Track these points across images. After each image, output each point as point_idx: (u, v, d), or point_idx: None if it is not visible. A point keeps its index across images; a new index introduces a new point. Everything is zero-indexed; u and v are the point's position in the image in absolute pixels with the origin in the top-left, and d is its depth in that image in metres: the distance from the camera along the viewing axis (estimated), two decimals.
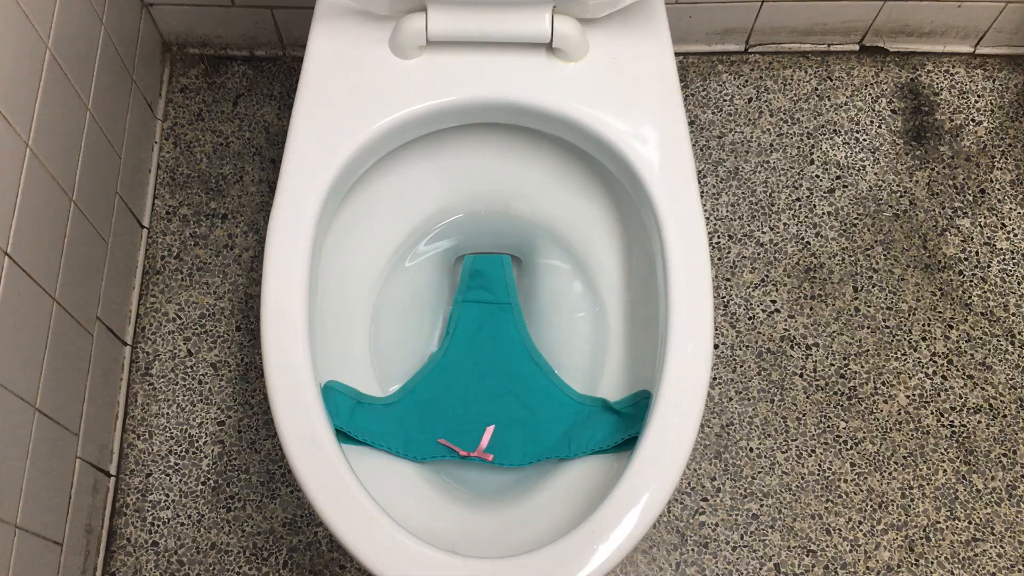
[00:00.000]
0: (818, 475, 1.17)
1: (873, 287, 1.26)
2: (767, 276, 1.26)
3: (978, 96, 1.36)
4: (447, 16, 0.84)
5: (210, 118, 1.29)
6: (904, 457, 1.18)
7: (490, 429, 0.88)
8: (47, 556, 0.95)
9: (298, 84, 0.86)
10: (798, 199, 1.30)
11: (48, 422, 0.95)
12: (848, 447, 1.19)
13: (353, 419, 0.83)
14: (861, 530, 1.15)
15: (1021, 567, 1.14)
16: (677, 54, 1.36)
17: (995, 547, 1.15)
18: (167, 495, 1.13)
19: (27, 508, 0.90)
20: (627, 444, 0.83)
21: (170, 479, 1.13)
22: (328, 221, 0.86)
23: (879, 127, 1.34)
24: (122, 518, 1.12)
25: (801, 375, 1.22)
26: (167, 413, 1.16)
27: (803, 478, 1.17)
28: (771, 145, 1.32)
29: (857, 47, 1.36)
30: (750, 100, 1.35)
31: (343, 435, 0.82)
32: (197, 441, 1.15)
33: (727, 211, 1.29)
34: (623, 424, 0.85)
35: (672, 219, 0.81)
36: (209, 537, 1.11)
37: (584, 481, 0.84)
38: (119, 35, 1.13)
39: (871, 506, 1.16)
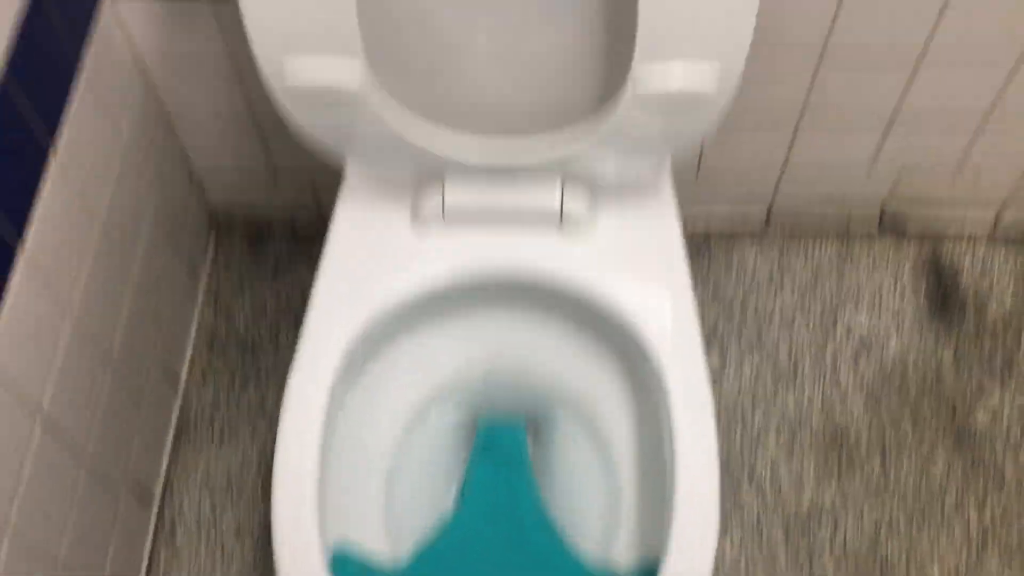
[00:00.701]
0: None
1: (902, 458, 1.24)
2: (793, 445, 1.25)
3: (1000, 270, 1.37)
4: (463, 189, 0.89)
5: (250, 285, 1.36)
6: None
7: None
8: None
9: (323, 252, 0.91)
10: (823, 367, 1.31)
11: None
12: None
13: None
14: None
15: None
16: (699, 222, 1.40)
17: None
18: None
19: None
20: None
21: None
22: (346, 387, 0.89)
23: (902, 298, 1.35)
24: None
25: (830, 549, 1.19)
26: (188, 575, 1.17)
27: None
28: (794, 313, 1.34)
29: (878, 214, 1.39)
30: (772, 268, 1.38)
31: None
32: None
33: (750, 379, 1.30)
34: None
35: (679, 390, 0.83)
36: None
37: None
38: (168, 208, 1.21)
39: None
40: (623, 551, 0.89)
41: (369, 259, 0.91)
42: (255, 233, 1.40)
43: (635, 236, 0.92)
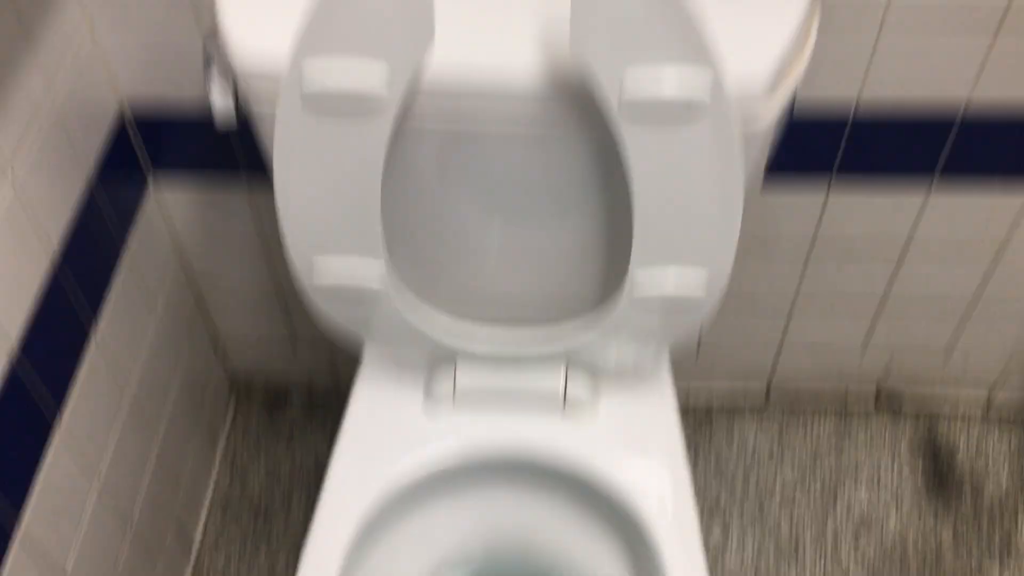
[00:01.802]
0: None
1: None
2: None
3: (996, 450, 1.42)
4: (473, 373, 0.96)
5: (266, 449, 1.41)
6: None
7: None
8: None
9: (340, 429, 0.98)
10: (824, 544, 1.34)
11: None
12: None
13: None
14: None
15: None
16: (701, 396, 1.46)
17: None
18: None
19: None
20: None
21: None
22: (358, 557, 0.94)
23: (900, 476, 1.39)
24: None
25: None
26: None
27: None
28: (795, 489, 1.38)
29: (874, 391, 1.45)
30: (773, 443, 1.43)
31: None
32: None
33: (753, 555, 1.33)
34: None
35: (676, 568, 0.87)
36: None
37: None
38: (193, 377, 1.28)
39: None
40: None
41: (383, 437, 0.97)
42: (273, 399, 1.47)
43: (634, 419, 0.98)
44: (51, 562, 0.92)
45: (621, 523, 0.98)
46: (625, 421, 0.98)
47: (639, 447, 0.97)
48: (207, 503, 1.36)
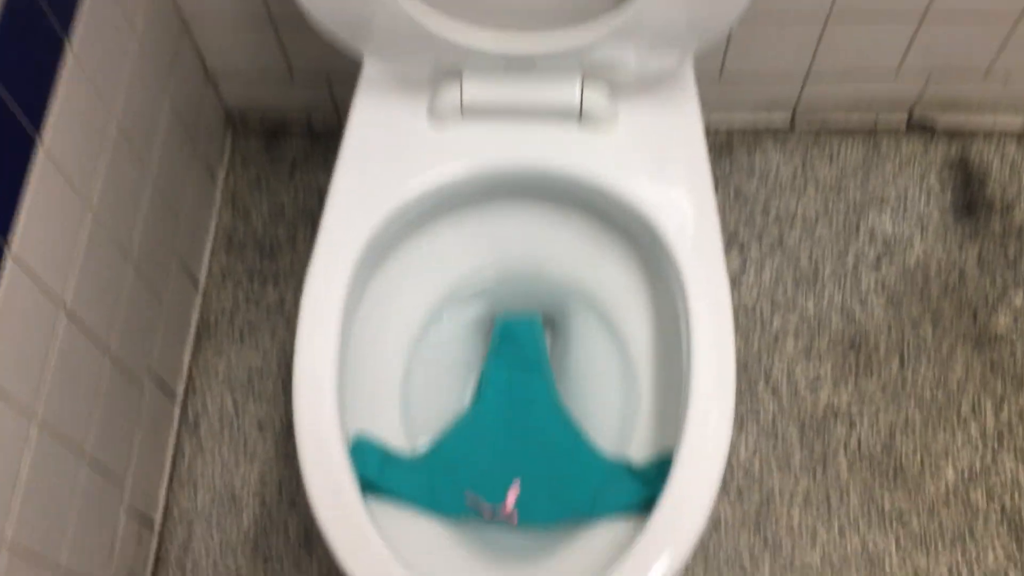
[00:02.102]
0: (861, 552, 1.16)
1: (921, 361, 1.25)
2: (811, 347, 1.27)
3: None
4: (481, 84, 0.89)
5: (268, 185, 1.36)
6: (952, 536, 1.16)
7: (517, 482, 0.91)
8: None
9: (339, 149, 0.91)
10: (844, 271, 1.31)
11: (96, 471, 0.99)
12: (893, 524, 1.17)
13: (382, 474, 0.86)
14: None
15: None
16: (722, 126, 1.39)
17: None
18: (208, 549, 1.16)
19: (73, 553, 0.94)
20: (651, 505, 0.85)
21: (212, 533, 1.17)
22: (363, 283, 0.90)
23: (927, 201, 1.34)
24: (165, 569, 1.16)
25: (845, 449, 1.21)
26: (212, 468, 1.20)
27: (846, 554, 1.16)
28: (816, 216, 1.34)
29: (905, 120, 1.38)
30: (796, 171, 1.37)
31: (371, 489, 0.85)
32: (240, 496, 1.19)
33: (771, 281, 1.30)
34: (648, 487, 0.86)
35: (697, 286, 0.84)
36: None
37: (607, 543, 0.85)
38: (184, 106, 1.21)
39: None
40: (639, 446, 0.91)
41: (386, 155, 0.91)
42: (272, 132, 1.40)
43: (656, 131, 0.91)
44: (47, 288, 0.88)
45: (640, 243, 0.94)
46: (646, 134, 0.92)
47: (661, 162, 0.91)
48: (210, 240, 1.32)
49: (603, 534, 0.86)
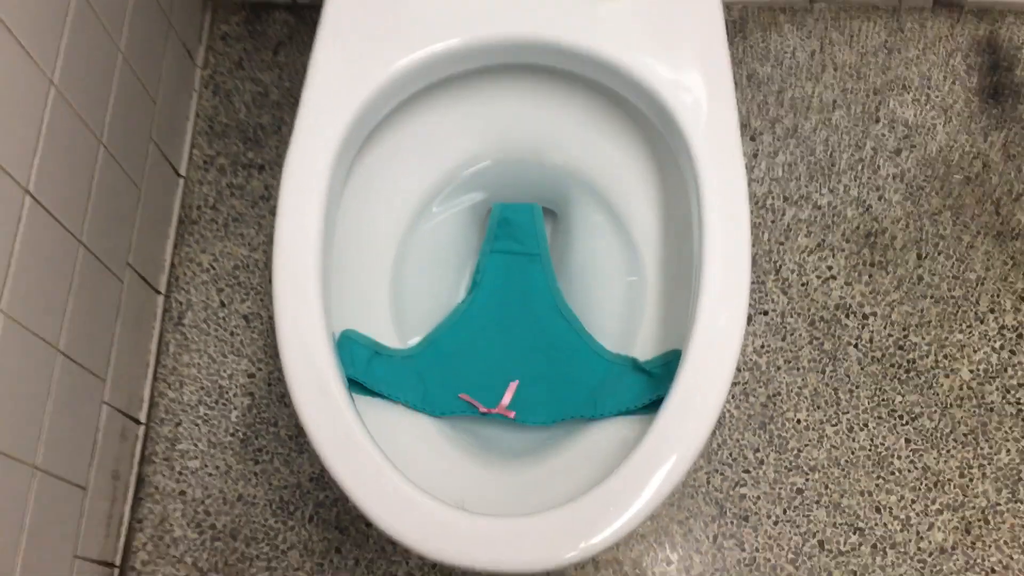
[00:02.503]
0: (870, 450, 1.12)
1: (939, 255, 1.20)
2: (824, 241, 1.21)
3: None
4: None
5: (250, 66, 1.28)
6: (964, 434, 1.12)
7: (513, 385, 0.86)
8: (70, 500, 0.96)
9: (319, 20, 0.84)
10: (861, 160, 1.24)
11: (72, 365, 0.95)
12: (904, 422, 1.13)
13: (370, 369, 0.82)
14: (914, 509, 1.10)
15: None
16: (736, 2, 1.30)
17: None
18: (196, 445, 1.13)
19: (48, 450, 0.90)
20: (656, 405, 0.80)
21: (199, 429, 1.13)
22: (347, 166, 0.84)
23: (952, 84, 1.26)
24: (151, 466, 1.12)
25: (856, 345, 1.16)
26: (198, 363, 1.16)
27: (853, 453, 1.12)
28: (834, 102, 1.26)
29: (931, 2, 1.29)
30: (813, 54, 1.29)
31: (359, 386, 0.81)
32: (227, 392, 1.15)
33: (784, 171, 1.23)
34: (652, 384, 0.82)
35: (711, 171, 0.77)
36: (236, 488, 1.11)
37: (608, 443, 0.81)
38: None
39: (926, 485, 1.11)
40: (644, 345, 0.87)
41: (372, 24, 0.83)
42: (253, 7, 1.31)
43: (671, 3, 0.83)
44: (5, 171, 0.82)
45: (650, 125, 0.87)
46: (659, 4, 0.84)
47: (674, 34, 0.83)
48: (190, 126, 1.25)
49: (605, 434, 0.82)
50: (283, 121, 1.26)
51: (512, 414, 0.85)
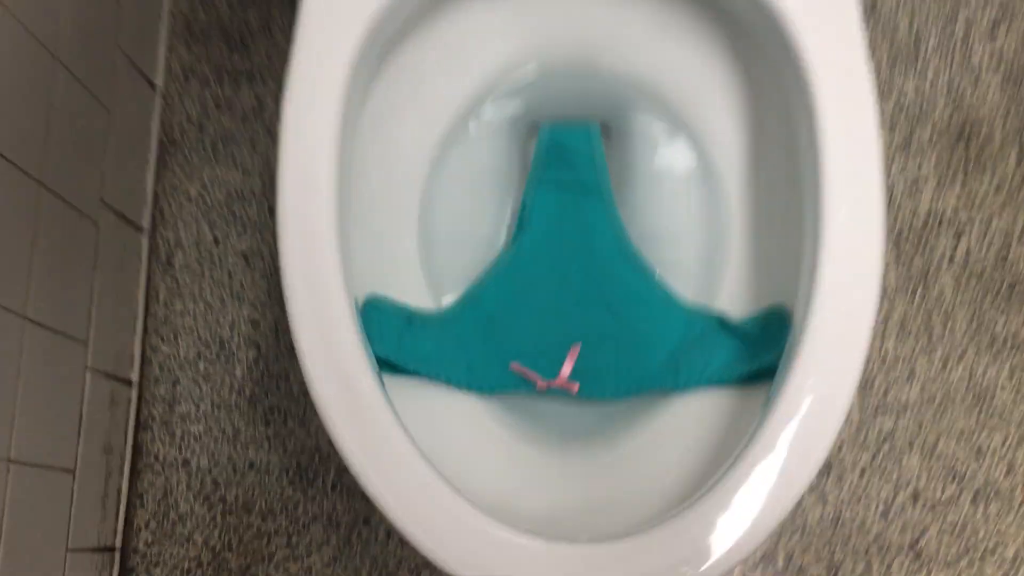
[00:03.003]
0: (968, 385, 0.99)
1: None
2: (910, 139, 1.04)
3: None
4: None
5: None
6: None
7: (575, 348, 0.71)
8: (56, 488, 0.83)
9: None
10: (952, 40, 1.06)
11: (43, 333, 0.80)
12: (1008, 351, 0.99)
13: (402, 345, 0.67)
14: (1021, 451, 0.97)
15: None
16: None
17: None
18: (198, 406, 0.99)
19: (22, 438, 0.77)
20: (755, 376, 0.65)
21: (200, 388, 1.00)
22: (364, 86, 0.67)
23: None
24: (147, 432, 0.99)
25: (950, 262, 1.01)
26: (194, 311, 1.01)
27: (950, 389, 0.98)
28: None
29: None
30: None
31: (390, 366, 0.66)
32: (229, 344, 1.00)
33: None
34: (749, 348, 0.67)
35: (829, 85, 0.60)
36: (246, 455, 0.98)
37: (697, 422, 0.67)
38: None
39: None
40: (730, 296, 0.71)
41: None
42: None
43: None
44: None
45: (740, 20, 0.69)
46: None
47: None
48: (164, 30, 1.07)
49: (690, 409, 0.68)
50: (273, 19, 1.07)
51: (575, 387, 0.70)
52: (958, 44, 1.06)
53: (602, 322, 0.72)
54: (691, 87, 0.74)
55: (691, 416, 0.67)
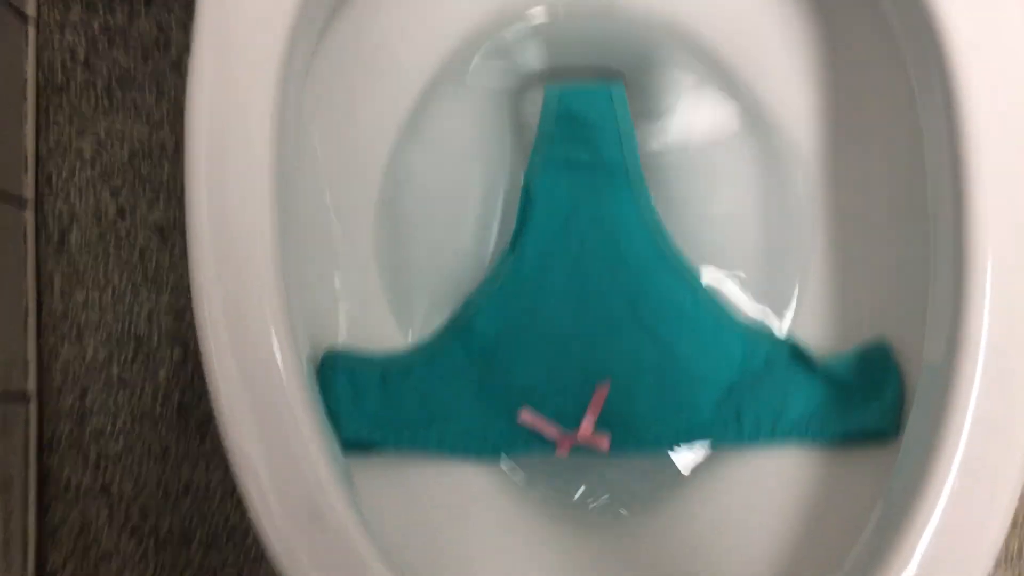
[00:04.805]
0: None
1: None
2: None
3: None
4: None
5: None
6: None
7: (602, 390, 0.55)
8: None
9: None
10: None
11: None
12: None
13: (380, 417, 0.51)
14: None
15: None
16: None
17: None
18: (114, 420, 0.83)
19: None
20: (850, 434, 0.51)
21: (116, 397, 0.83)
22: (305, 49, 0.48)
23: None
24: (54, 456, 0.83)
25: None
26: (100, 302, 0.83)
27: None
28: None
29: None
30: None
31: (361, 445, 0.50)
32: (148, 341, 0.83)
33: None
34: (839, 396, 0.52)
35: (976, 53, 0.43)
36: (180, 476, 0.83)
37: (771, 494, 0.52)
38: None
39: None
40: (808, 313, 0.56)
41: None
42: None
43: None
44: None
45: None
46: None
47: None
48: None
49: (762, 473, 0.53)
50: None
51: (605, 441, 0.55)
52: None
53: (636, 349, 0.57)
54: (746, 35, 0.57)
55: (763, 483, 0.53)
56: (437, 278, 0.58)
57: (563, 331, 0.57)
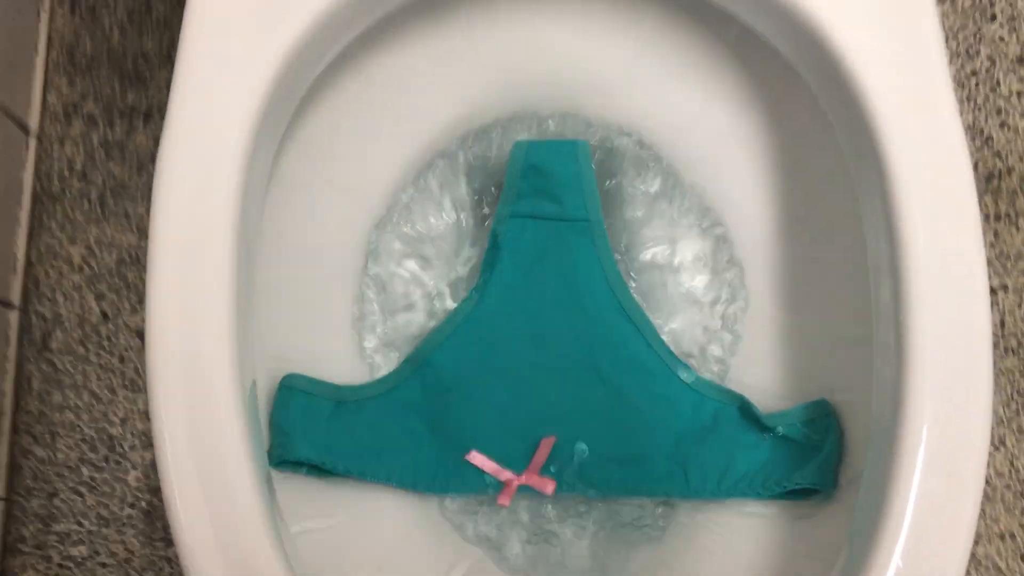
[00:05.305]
0: (1010, 477, 0.86)
1: None
2: None
3: None
4: None
5: None
6: None
7: (549, 441, 0.57)
8: None
9: None
10: (974, 74, 0.94)
11: None
12: None
13: (331, 441, 0.53)
14: None
15: None
16: None
17: None
18: (81, 524, 0.83)
19: None
20: (793, 491, 0.52)
21: (84, 500, 0.83)
22: (268, 153, 0.51)
23: None
24: (16, 558, 0.82)
25: None
26: (76, 405, 0.84)
27: (988, 482, 0.86)
28: None
29: None
30: None
31: (316, 467, 0.52)
32: (120, 444, 0.84)
33: None
34: (785, 455, 0.53)
35: (904, 139, 0.47)
36: None
37: (715, 547, 0.52)
38: None
39: None
40: (754, 376, 0.58)
41: None
42: None
43: None
44: None
45: (783, 46, 0.55)
46: None
47: None
48: (40, 58, 0.91)
49: (706, 529, 0.53)
50: (175, 46, 0.91)
51: (550, 486, 0.56)
52: (980, 78, 0.94)
53: (590, 396, 0.58)
54: (704, 143, 0.60)
55: (708, 537, 0.53)
56: (401, 322, 0.61)
57: (519, 374, 0.58)
